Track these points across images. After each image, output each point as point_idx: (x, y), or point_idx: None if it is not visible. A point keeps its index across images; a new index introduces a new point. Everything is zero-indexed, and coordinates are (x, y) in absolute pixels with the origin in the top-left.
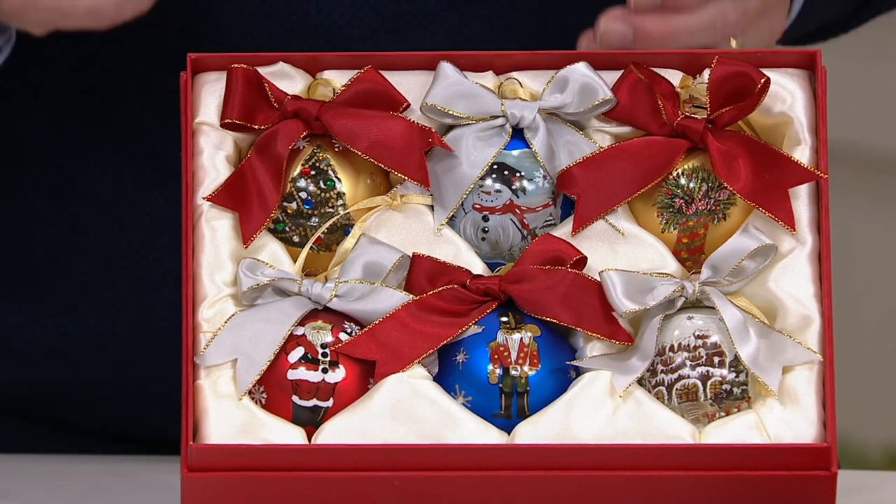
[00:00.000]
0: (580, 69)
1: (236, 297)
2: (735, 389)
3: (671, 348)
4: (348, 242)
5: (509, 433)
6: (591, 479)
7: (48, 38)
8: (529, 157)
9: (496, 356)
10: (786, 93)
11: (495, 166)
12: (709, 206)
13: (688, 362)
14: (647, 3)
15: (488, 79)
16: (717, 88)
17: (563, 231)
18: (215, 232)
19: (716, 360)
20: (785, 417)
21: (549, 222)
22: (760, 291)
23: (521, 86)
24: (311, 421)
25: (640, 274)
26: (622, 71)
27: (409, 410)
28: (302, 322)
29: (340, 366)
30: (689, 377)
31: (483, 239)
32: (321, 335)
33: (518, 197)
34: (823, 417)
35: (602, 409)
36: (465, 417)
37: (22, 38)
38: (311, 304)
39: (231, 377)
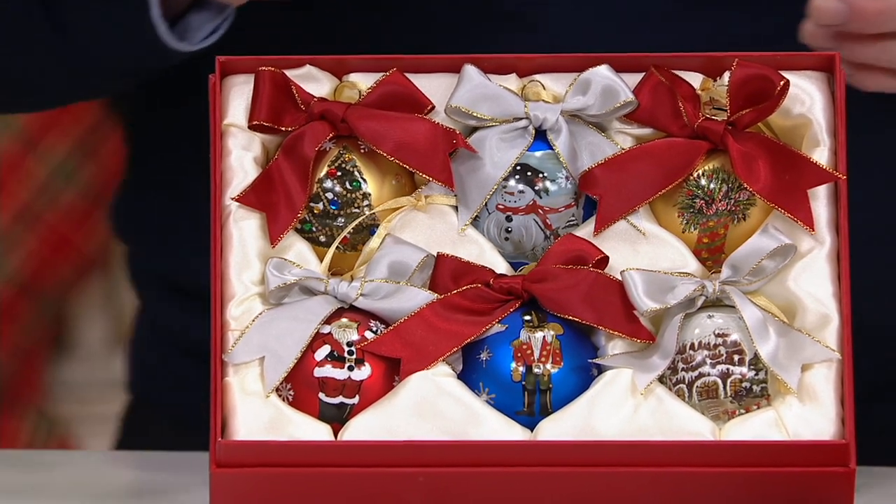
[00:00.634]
0: (602, 72)
1: (264, 295)
2: (755, 387)
3: (692, 346)
4: (374, 242)
5: (532, 430)
6: (612, 475)
7: None
8: (552, 158)
9: (519, 354)
10: (805, 95)
11: (518, 167)
12: (729, 207)
13: (708, 360)
14: None
15: (511, 81)
16: (738, 91)
17: (585, 231)
18: (243, 232)
19: (736, 358)
20: (804, 415)
21: (571, 222)
22: (780, 290)
23: (544, 88)
24: (337, 418)
25: (661, 273)
26: (643, 73)
27: (434, 407)
28: (328, 320)
29: (366, 363)
30: (709, 375)
31: (506, 239)
32: (347, 333)
33: (541, 197)
34: (842, 414)
35: (623, 406)
36: (489, 414)
37: None
38: (337, 302)
39: (258, 375)
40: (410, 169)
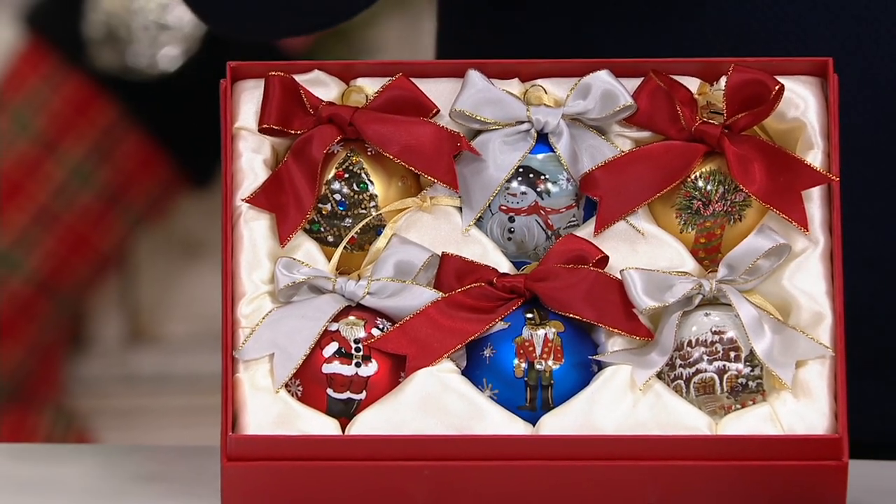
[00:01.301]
0: (602, 77)
1: (273, 294)
2: (750, 383)
3: (689, 343)
4: (380, 242)
5: (534, 424)
6: (612, 468)
7: None
8: (553, 160)
9: (521, 351)
10: (799, 99)
11: (521, 169)
12: (725, 208)
13: (705, 357)
14: None
15: (514, 86)
16: (734, 95)
17: (586, 231)
18: (253, 232)
19: (732, 354)
20: (798, 410)
21: (572, 223)
22: (775, 289)
23: (546, 92)
24: (344, 413)
25: (659, 272)
26: (642, 78)
27: (439, 403)
28: (336, 318)
29: (373, 360)
30: (706, 371)
31: (509, 239)
32: (354, 331)
33: (543, 199)
34: (835, 409)
35: (623, 401)
36: (492, 409)
37: None
38: (344, 301)
39: (268, 371)
40: (416, 171)
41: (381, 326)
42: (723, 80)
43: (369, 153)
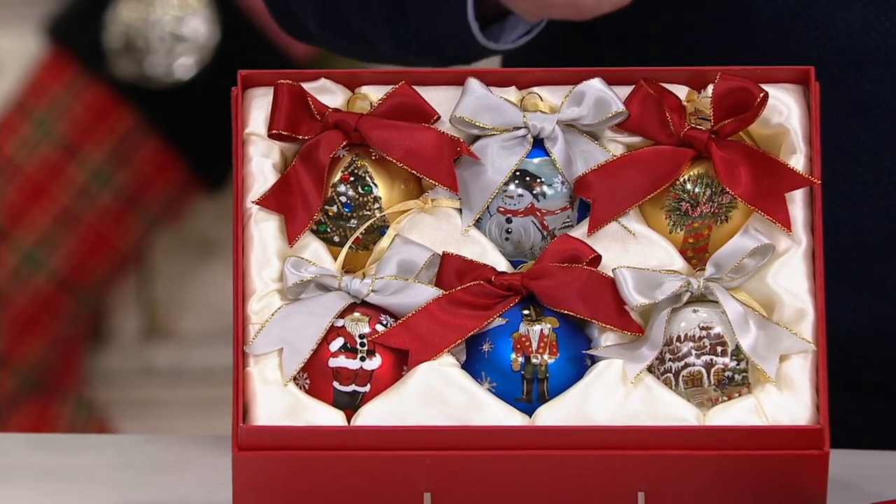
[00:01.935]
0: (595, 84)
1: (282, 291)
2: (736, 376)
3: (678, 339)
4: (384, 242)
5: (530, 416)
6: (604, 457)
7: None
8: (549, 164)
9: (518, 346)
10: (783, 106)
11: (518, 173)
12: (712, 209)
13: (693, 351)
14: None
15: (511, 93)
16: (720, 102)
17: (580, 232)
18: (263, 232)
19: (719, 349)
20: (782, 402)
21: (566, 224)
22: (759, 287)
23: (542, 100)
24: (350, 405)
25: (649, 271)
26: (633, 86)
27: (440, 395)
28: (342, 315)
29: (377, 354)
30: (694, 365)
31: (507, 239)
32: (359, 326)
33: (538, 201)
34: (817, 401)
35: (615, 394)
36: (491, 402)
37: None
38: (350, 298)
39: (277, 365)
40: (418, 174)
41: (384, 322)
42: (710, 88)
43: (373, 157)
